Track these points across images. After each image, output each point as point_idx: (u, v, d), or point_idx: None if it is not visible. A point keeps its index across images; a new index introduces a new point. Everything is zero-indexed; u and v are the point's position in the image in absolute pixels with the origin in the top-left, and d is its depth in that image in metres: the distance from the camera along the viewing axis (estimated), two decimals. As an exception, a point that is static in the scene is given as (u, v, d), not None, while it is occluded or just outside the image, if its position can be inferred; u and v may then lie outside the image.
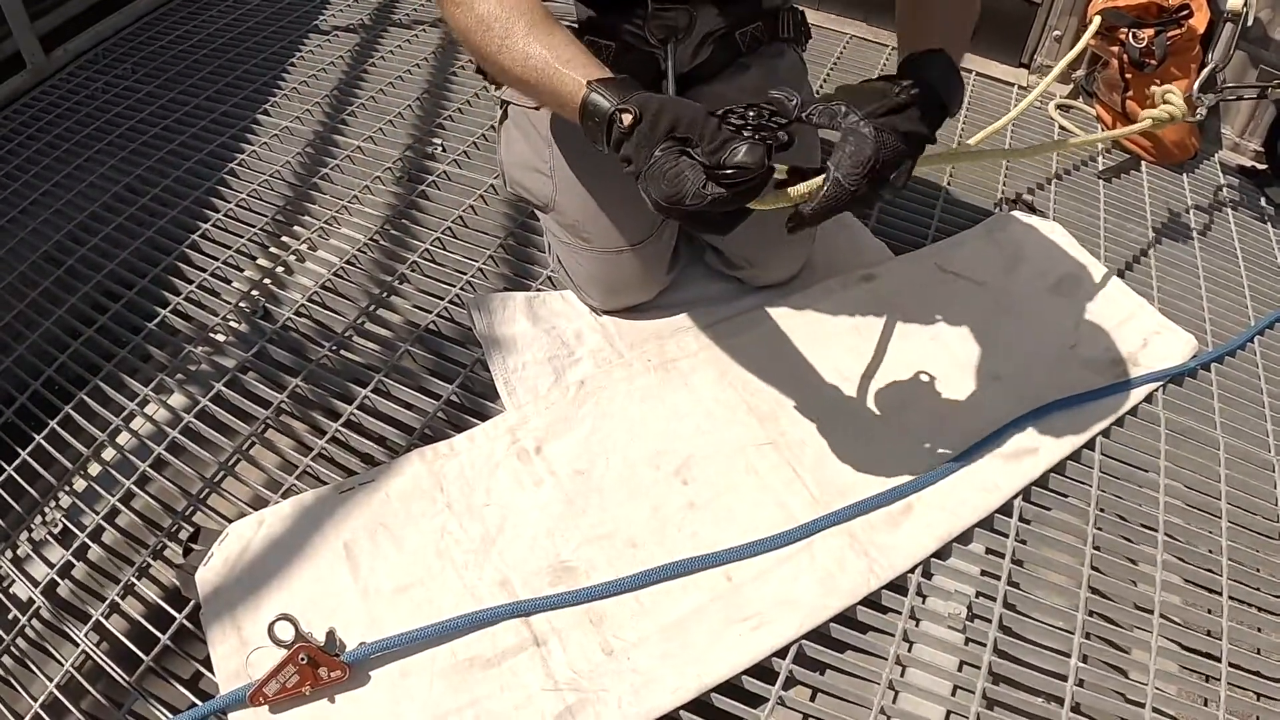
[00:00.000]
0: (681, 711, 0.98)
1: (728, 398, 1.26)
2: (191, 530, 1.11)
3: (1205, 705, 1.07)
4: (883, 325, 1.38)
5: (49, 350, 1.38)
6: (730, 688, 1.01)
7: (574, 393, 1.25)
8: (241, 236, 1.54)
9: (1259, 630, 1.14)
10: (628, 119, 0.86)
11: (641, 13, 1.18)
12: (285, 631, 0.94)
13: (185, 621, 1.03)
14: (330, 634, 0.98)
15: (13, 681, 1.01)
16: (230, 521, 1.10)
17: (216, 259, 1.50)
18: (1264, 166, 1.95)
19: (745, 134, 0.83)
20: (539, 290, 1.43)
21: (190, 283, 1.46)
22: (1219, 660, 1.10)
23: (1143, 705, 1.04)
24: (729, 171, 0.81)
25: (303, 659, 0.93)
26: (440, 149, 1.74)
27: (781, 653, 1.03)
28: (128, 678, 0.99)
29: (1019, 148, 1.81)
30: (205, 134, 1.78)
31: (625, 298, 1.36)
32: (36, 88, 1.93)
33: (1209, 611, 1.15)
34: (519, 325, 1.34)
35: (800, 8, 1.34)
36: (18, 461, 1.21)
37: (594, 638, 1.01)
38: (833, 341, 1.35)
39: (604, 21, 1.19)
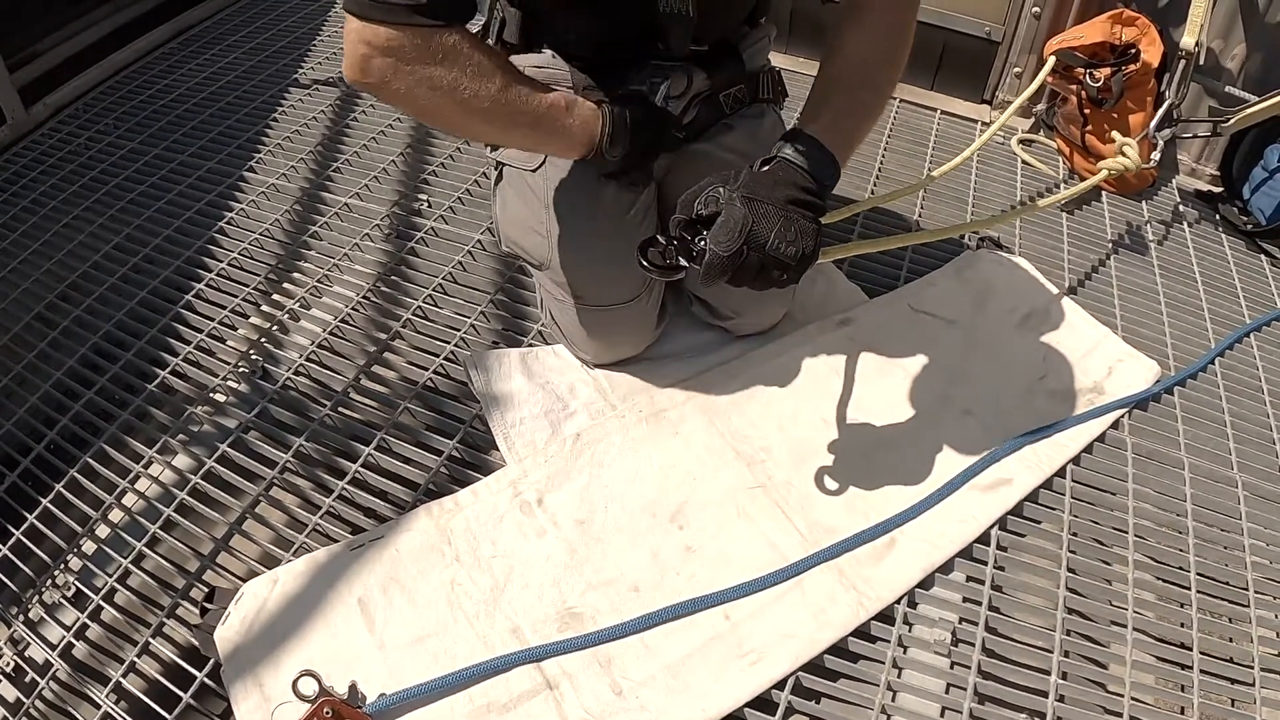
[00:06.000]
0: (689, 746, 1.02)
1: (716, 445, 1.31)
2: (206, 590, 1.14)
3: (1182, 713, 1.12)
4: (860, 367, 1.44)
5: (47, 412, 1.38)
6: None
7: (571, 445, 1.29)
8: (236, 296, 1.55)
9: (1230, 640, 1.20)
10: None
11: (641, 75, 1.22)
12: (309, 686, 0.98)
13: (206, 680, 1.06)
14: (352, 687, 1.02)
15: (34, 743, 1.03)
16: (243, 580, 1.13)
17: (212, 319, 1.51)
18: (1220, 189, 1.99)
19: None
20: (531, 345, 1.47)
21: (188, 343, 1.47)
22: (1192, 669, 1.15)
23: (1120, 715, 1.10)
24: None
25: (328, 713, 0.97)
26: (426, 204, 1.76)
27: (780, 685, 1.09)
28: (151, 736, 1.02)
29: (983, 218, 1.84)
30: (193, 191, 1.79)
31: (617, 351, 1.40)
32: (18, 143, 1.93)
33: (1181, 625, 1.20)
34: (515, 381, 1.38)
35: (778, 67, 1.40)
36: (25, 525, 1.22)
37: (603, 679, 1.06)
38: (813, 385, 1.41)
39: (604, 84, 1.23)
